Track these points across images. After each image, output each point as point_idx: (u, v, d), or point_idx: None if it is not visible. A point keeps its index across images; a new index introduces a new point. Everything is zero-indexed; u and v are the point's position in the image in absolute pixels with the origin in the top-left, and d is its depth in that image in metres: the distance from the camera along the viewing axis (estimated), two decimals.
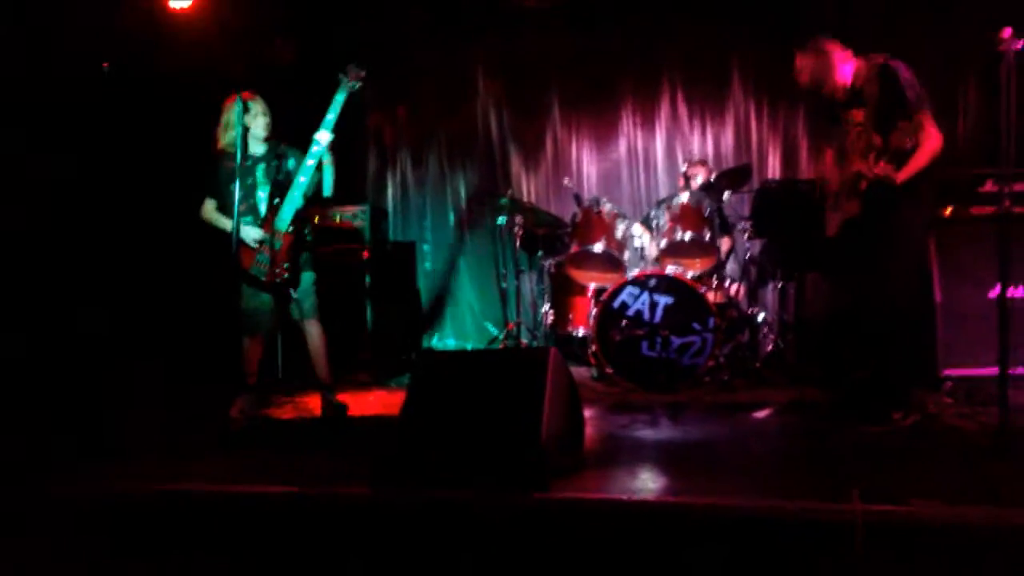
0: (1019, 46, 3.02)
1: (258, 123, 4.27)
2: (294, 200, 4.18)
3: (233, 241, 4.00)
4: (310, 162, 4.14)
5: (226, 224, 4.20)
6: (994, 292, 4.75)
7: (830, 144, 4.13)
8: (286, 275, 4.16)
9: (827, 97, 3.97)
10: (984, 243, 4.74)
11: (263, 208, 4.25)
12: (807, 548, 2.64)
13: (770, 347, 5.60)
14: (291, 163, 4.29)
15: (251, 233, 4.18)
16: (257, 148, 4.32)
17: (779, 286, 5.77)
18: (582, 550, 2.76)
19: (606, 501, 2.81)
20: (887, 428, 3.68)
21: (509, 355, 4.12)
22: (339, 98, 4.15)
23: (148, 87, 5.39)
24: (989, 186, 4.76)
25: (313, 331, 4.39)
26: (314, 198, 4.30)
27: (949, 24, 5.57)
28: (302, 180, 4.16)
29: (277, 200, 4.18)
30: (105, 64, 5.37)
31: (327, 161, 4.23)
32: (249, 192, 4.26)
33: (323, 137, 4.12)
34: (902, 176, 3.58)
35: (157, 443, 3.81)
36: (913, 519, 2.63)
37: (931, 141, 3.62)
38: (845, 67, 3.85)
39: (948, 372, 4.62)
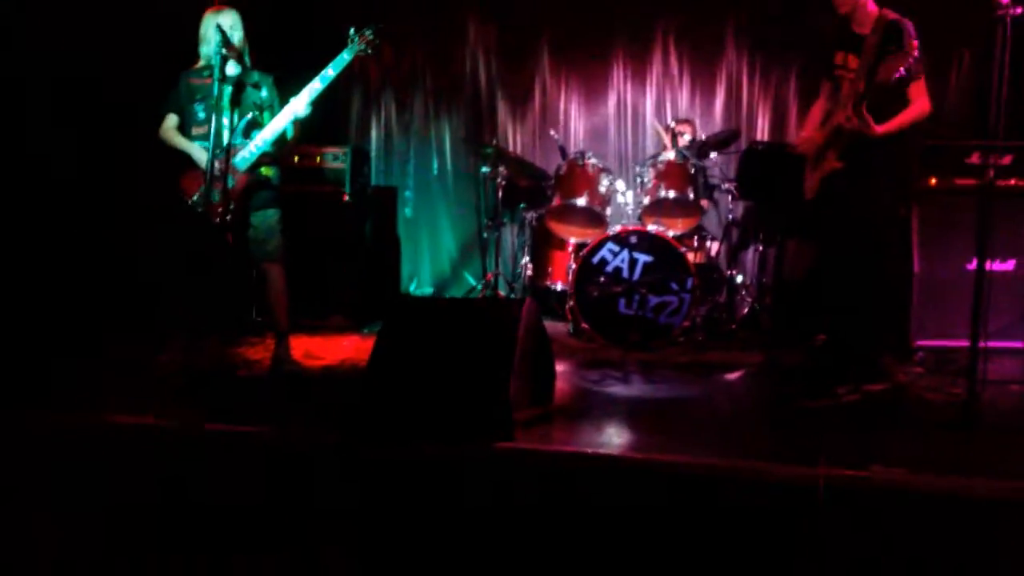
0: (1018, 11, 2.94)
1: (230, 38, 3.84)
2: (263, 143, 3.90)
3: (207, 165, 3.71)
4: (293, 110, 3.87)
5: (185, 145, 3.94)
6: (972, 264, 4.76)
7: (818, 101, 4.07)
8: (228, 217, 3.80)
9: (839, 25, 3.83)
10: (966, 214, 4.71)
11: (225, 137, 3.82)
12: (771, 509, 2.66)
13: (746, 310, 5.61)
14: (264, 95, 4.01)
15: (207, 162, 3.80)
16: (226, 68, 3.86)
17: (759, 249, 5.75)
18: (547, 502, 2.78)
19: (569, 453, 2.81)
20: (829, 402, 3.65)
21: (483, 305, 4.08)
22: (343, 58, 3.93)
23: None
24: (975, 158, 4.74)
25: (273, 274, 4.08)
26: (283, 144, 4.04)
27: None
28: (277, 126, 3.89)
29: (242, 137, 3.89)
30: None
31: (304, 115, 3.94)
32: (219, 117, 3.84)
33: (314, 88, 3.88)
34: (882, 129, 3.56)
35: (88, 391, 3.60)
36: (875, 484, 2.65)
37: (919, 105, 3.61)
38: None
39: (921, 343, 4.63)
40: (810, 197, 4.03)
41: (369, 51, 4.02)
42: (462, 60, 6.45)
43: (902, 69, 3.36)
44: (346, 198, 5.42)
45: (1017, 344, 4.48)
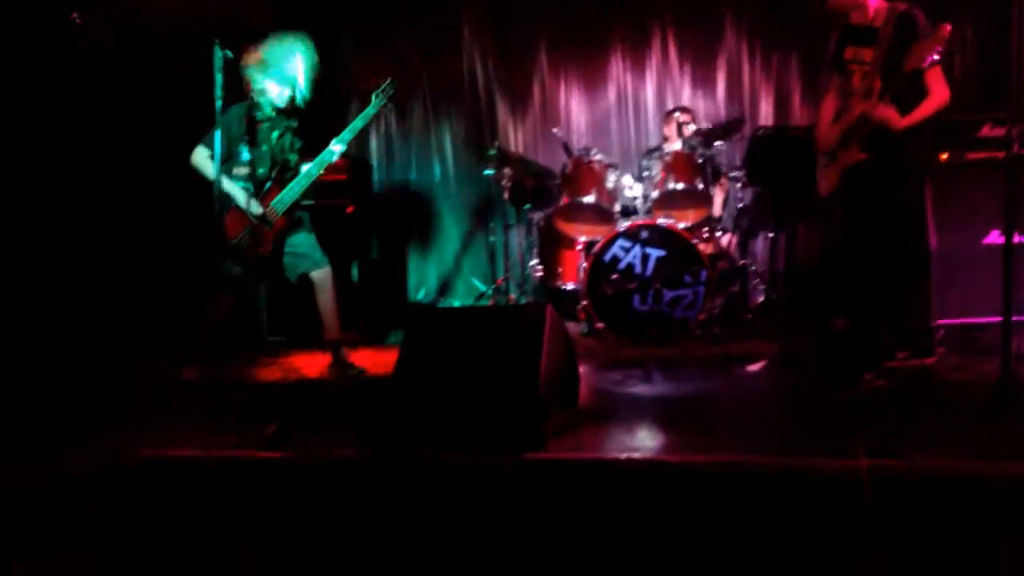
0: None
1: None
2: (297, 188, 4.08)
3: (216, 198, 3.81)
4: (330, 160, 4.10)
5: (228, 186, 3.97)
6: (989, 239, 4.69)
7: (828, 96, 4.02)
8: (268, 255, 4.05)
9: (842, 21, 3.81)
10: (980, 188, 4.67)
11: (266, 182, 4.07)
12: (811, 504, 2.60)
13: (761, 298, 5.55)
14: (296, 142, 4.19)
15: (251, 205, 3.99)
16: (271, 113, 4.13)
17: (770, 236, 5.69)
18: (578, 510, 2.72)
19: (601, 460, 2.74)
20: (858, 390, 3.59)
21: (504, 312, 4.03)
22: (369, 112, 4.19)
23: (119, 40, 5.15)
24: (986, 130, 4.68)
25: (322, 279, 4.22)
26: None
27: None
28: (312, 173, 4.09)
29: (274, 177, 4.08)
30: (74, 15, 5.11)
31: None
32: (260, 159, 4.07)
33: (339, 148, 4.11)
34: (905, 123, 3.53)
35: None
36: (918, 473, 2.59)
37: (939, 93, 3.59)
38: None
39: (941, 321, 4.56)
40: (827, 193, 3.98)
41: (389, 106, 4.34)
42: (459, 62, 6.41)
43: (934, 55, 3.34)
44: (351, 209, 5.36)
45: None
